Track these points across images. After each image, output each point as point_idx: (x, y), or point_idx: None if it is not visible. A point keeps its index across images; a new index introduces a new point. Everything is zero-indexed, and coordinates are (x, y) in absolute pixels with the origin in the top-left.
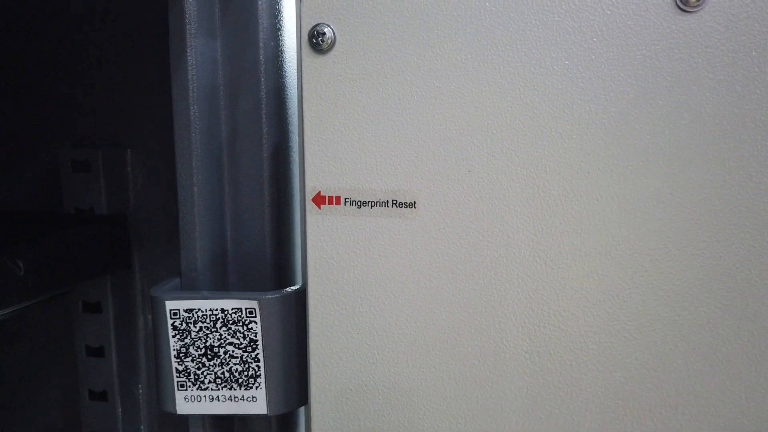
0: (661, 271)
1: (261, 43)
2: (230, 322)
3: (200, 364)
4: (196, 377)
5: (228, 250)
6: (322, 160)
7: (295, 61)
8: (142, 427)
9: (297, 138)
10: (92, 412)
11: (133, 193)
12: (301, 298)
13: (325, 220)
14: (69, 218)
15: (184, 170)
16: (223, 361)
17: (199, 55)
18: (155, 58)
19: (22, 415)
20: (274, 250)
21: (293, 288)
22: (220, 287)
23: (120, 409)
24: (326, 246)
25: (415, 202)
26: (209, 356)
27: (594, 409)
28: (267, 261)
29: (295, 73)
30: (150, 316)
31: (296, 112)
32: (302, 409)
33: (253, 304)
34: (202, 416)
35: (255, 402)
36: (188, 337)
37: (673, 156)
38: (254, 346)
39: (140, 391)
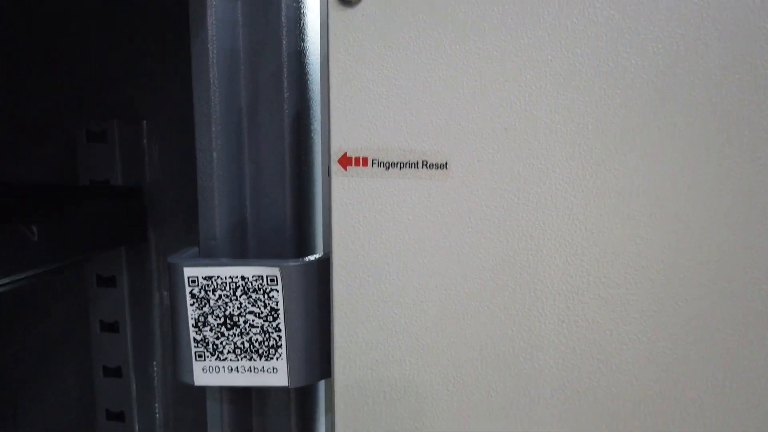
0: (712, 237)
1: (283, 4)
2: (251, 290)
3: (219, 334)
4: (215, 347)
5: (248, 219)
6: (349, 118)
7: (318, 24)
8: (156, 405)
9: (319, 105)
10: (106, 388)
11: (149, 165)
12: (324, 267)
13: (351, 183)
14: (84, 190)
15: (203, 135)
16: (243, 330)
17: (219, 16)
18: (172, 28)
19: (38, 389)
20: (295, 220)
21: (316, 256)
22: (239, 256)
23: (134, 386)
24: (352, 210)
25: (446, 163)
26: (228, 325)
27: (635, 381)
28: (288, 230)
29: (318, 37)
30: (166, 293)
31: (318, 79)
32: (322, 385)
33: (275, 271)
34: (220, 389)
35: (275, 373)
36: (207, 306)
37: (727, 111)
38: (275, 316)
39: (155, 369)
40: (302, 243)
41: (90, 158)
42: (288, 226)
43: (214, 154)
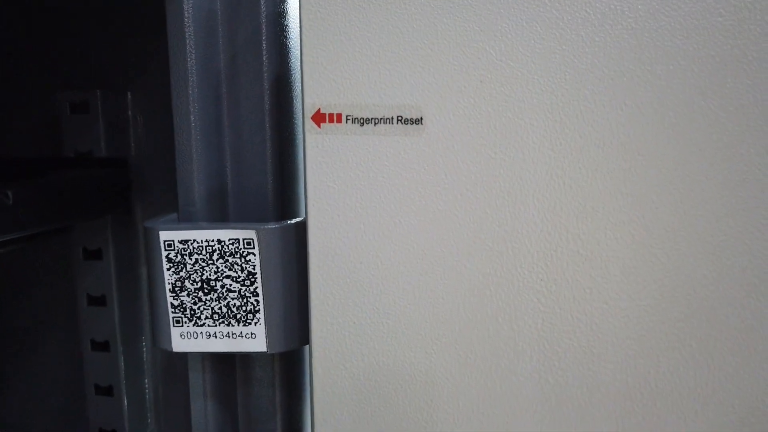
0: (695, 190)
1: None
2: (227, 253)
3: (196, 299)
4: (192, 313)
5: (228, 184)
6: (322, 74)
7: None
8: (146, 380)
9: (299, 69)
10: (94, 362)
11: (134, 138)
12: (302, 231)
13: (326, 140)
14: (68, 161)
15: (180, 99)
16: (220, 295)
17: None
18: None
19: (27, 362)
20: (277, 186)
21: (294, 220)
22: (219, 222)
23: (122, 361)
24: (326, 168)
25: (421, 118)
26: (205, 290)
27: (615, 340)
28: (268, 197)
29: None
30: None
31: (298, 43)
32: (307, 350)
33: (251, 234)
34: (202, 356)
35: (254, 339)
36: (183, 270)
37: (709, 58)
38: (252, 280)
39: (144, 344)
40: (284, 209)
41: (73, 130)
42: (269, 192)
43: (192, 118)
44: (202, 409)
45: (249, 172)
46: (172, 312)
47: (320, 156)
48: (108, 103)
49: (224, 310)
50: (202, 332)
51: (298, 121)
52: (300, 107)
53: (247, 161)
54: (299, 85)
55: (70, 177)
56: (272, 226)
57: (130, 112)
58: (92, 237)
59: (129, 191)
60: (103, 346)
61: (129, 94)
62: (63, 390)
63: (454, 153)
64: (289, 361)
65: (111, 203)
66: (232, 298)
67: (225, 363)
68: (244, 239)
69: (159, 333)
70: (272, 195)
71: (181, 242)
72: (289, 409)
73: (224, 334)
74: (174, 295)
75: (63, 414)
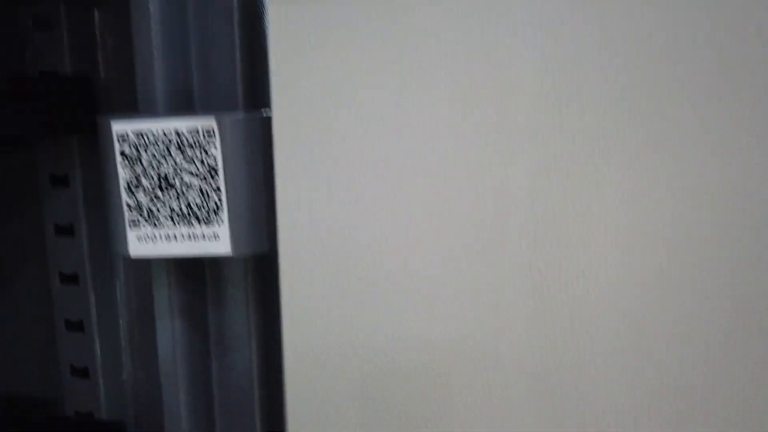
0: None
1: None
2: (186, 145)
3: (154, 197)
4: (150, 213)
5: (193, 84)
6: None
7: None
8: (120, 318)
9: None
10: (63, 296)
11: (102, 57)
12: (269, 126)
13: (291, 12)
14: (29, 79)
15: None
16: (179, 192)
17: None
18: None
19: None
20: (246, 85)
21: (261, 113)
22: None
23: (93, 294)
24: (293, 46)
25: None
26: (164, 187)
27: (608, 261)
28: (238, 96)
29: None
30: None
31: None
32: None
33: (211, 123)
34: (167, 269)
35: (217, 240)
36: (138, 165)
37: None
38: (214, 174)
39: (117, 275)
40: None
41: (36, 45)
42: (239, 92)
43: (151, 8)
44: (169, 329)
45: (216, 68)
46: (128, 213)
47: (285, 32)
48: (73, 19)
49: (184, 209)
50: (161, 234)
51: None
52: None
53: (213, 57)
54: None
55: (27, 88)
56: (235, 115)
57: (97, 31)
58: (58, 162)
59: (95, 111)
60: (72, 279)
61: (96, 11)
62: (32, 324)
63: (434, 15)
64: (264, 281)
65: (73, 121)
66: (193, 196)
67: (194, 280)
68: (203, 128)
69: (115, 237)
70: (242, 95)
71: (136, 135)
72: (265, 331)
73: (185, 236)
74: (129, 192)
75: (32, 351)
